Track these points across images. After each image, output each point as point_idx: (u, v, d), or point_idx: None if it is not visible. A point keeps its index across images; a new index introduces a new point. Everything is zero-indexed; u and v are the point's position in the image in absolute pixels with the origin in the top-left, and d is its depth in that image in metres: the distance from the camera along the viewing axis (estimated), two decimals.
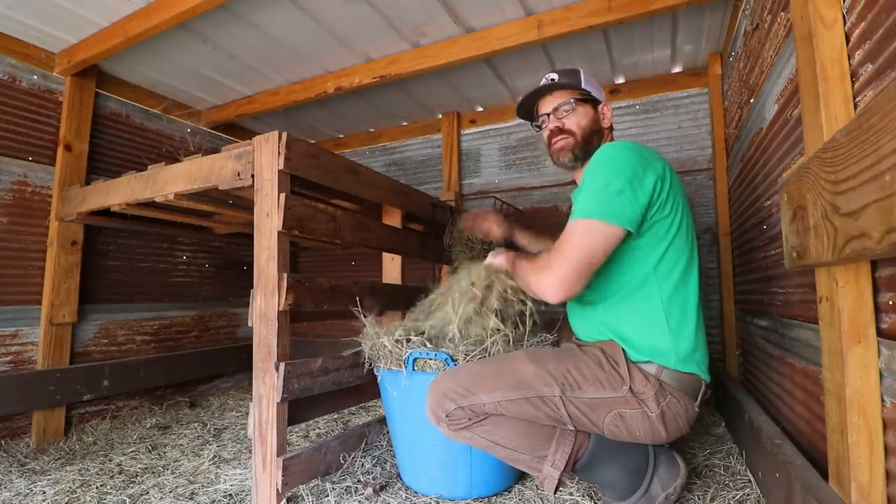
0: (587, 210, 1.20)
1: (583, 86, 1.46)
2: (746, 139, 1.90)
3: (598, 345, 1.33)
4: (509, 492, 1.52)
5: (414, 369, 1.43)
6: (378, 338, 1.53)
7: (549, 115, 1.49)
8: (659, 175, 1.24)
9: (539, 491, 1.49)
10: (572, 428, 1.27)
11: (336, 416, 2.45)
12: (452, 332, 1.46)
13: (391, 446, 1.83)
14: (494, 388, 1.23)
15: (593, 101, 1.48)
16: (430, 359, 1.42)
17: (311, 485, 1.51)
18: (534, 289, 1.28)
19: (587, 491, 1.47)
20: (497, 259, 1.49)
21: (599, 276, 1.28)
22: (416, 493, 1.49)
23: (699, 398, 1.30)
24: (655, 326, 1.26)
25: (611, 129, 1.51)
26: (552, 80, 1.48)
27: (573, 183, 1.50)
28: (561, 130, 1.46)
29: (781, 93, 1.40)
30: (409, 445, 1.54)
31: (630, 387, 1.22)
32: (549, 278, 1.21)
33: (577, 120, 1.45)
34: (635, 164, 1.22)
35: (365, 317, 1.64)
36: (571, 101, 1.45)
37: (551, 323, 1.70)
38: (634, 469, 1.28)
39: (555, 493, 1.34)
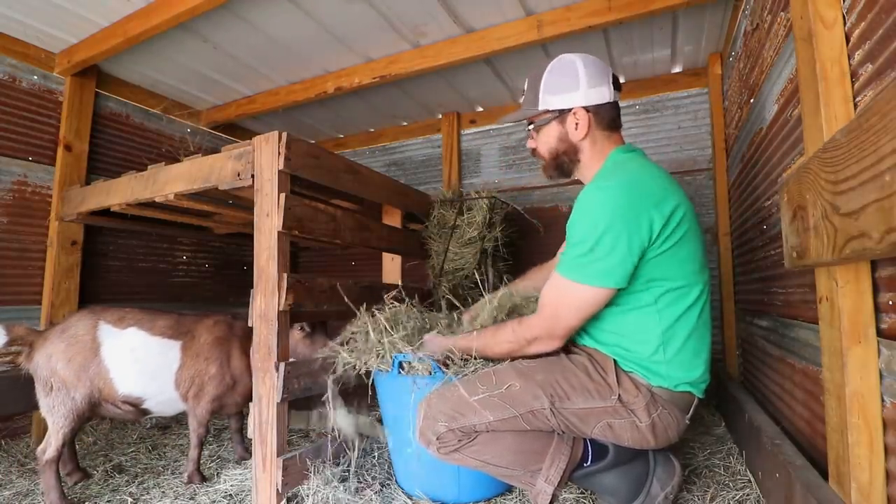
0: (572, 270, 1.17)
1: (540, 105, 1.33)
2: (746, 139, 1.90)
3: (587, 350, 1.31)
4: (500, 498, 1.51)
5: (400, 372, 1.42)
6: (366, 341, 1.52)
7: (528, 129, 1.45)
8: (660, 215, 1.16)
9: (527, 500, 1.47)
10: (561, 431, 1.26)
11: None
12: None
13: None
14: (484, 408, 1.21)
15: (561, 113, 1.33)
16: (416, 363, 1.40)
17: (312, 484, 1.50)
18: (529, 353, 1.27)
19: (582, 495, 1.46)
20: (435, 344, 1.40)
21: None
22: (409, 495, 1.49)
23: (691, 411, 1.29)
24: (651, 353, 1.22)
25: (593, 131, 1.33)
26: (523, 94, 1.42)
27: (576, 182, 1.47)
28: (534, 152, 1.44)
29: (781, 93, 1.40)
30: (397, 447, 1.54)
31: (619, 396, 1.20)
32: (544, 341, 1.23)
33: (544, 141, 1.38)
34: (626, 214, 1.13)
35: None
36: (533, 125, 1.40)
37: None
38: (635, 476, 1.28)
39: None
